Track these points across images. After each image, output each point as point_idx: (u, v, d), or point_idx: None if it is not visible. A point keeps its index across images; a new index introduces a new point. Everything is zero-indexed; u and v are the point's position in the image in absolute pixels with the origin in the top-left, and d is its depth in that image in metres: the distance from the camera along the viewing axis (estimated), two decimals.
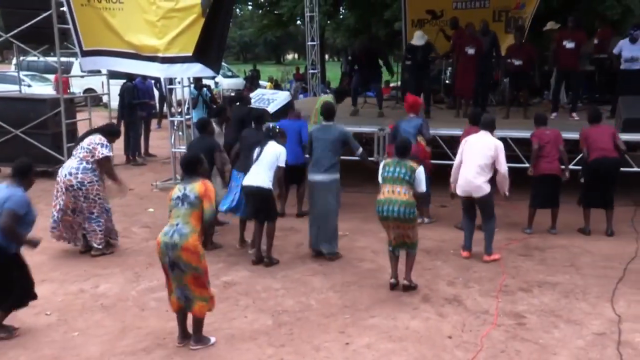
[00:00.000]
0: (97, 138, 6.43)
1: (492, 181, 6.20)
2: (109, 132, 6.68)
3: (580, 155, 7.62)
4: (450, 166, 6.56)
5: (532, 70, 10.20)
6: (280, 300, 5.35)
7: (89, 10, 8.64)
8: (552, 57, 10.25)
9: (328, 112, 6.52)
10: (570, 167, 7.81)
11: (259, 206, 6.18)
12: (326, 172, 6.19)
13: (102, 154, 6.32)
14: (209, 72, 8.49)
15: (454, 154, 6.92)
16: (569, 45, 9.43)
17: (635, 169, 7.93)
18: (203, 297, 4.41)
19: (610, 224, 7.00)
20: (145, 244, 6.76)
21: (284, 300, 5.35)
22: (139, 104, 11.67)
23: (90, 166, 6.31)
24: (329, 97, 8.57)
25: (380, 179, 5.56)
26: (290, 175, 7.05)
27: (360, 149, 6.43)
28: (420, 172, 5.45)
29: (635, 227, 7.28)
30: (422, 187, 5.46)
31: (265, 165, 6.06)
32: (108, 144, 6.44)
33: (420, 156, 7.43)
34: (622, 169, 7.20)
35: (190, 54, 7.96)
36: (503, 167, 6.12)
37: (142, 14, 8.18)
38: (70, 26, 8.94)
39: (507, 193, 6.28)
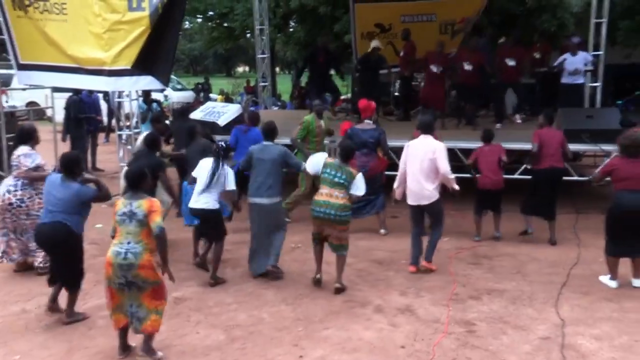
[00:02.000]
0: (20, 150, 6.16)
1: (442, 187, 6.22)
2: (25, 137, 6.27)
3: (524, 166, 7.93)
4: None
5: (481, 80, 10.15)
6: (232, 314, 5.29)
7: (27, 23, 8.36)
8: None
9: (269, 132, 6.20)
10: (516, 176, 8.11)
11: (206, 228, 6.11)
12: (268, 196, 5.97)
13: (25, 165, 6.05)
14: (158, 85, 8.37)
15: None
16: (511, 62, 9.88)
17: (576, 177, 8.26)
18: (158, 310, 4.40)
19: (553, 234, 7.21)
20: (93, 261, 6.52)
21: (237, 314, 5.29)
22: (85, 118, 11.40)
23: (27, 181, 6.09)
24: (310, 117, 8.06)
25: (311, 171, 5.89)
26: (242, 184, 6.67)
27: (303, 165, 6.20)
28: (360, 178, 5.72)
29: (577, 233, 7.54)
30: (360, 191, 5.72)
31: (211, 187, 5.88)
32: (32, 153, 6.15)
33: (382, 167, 7.53)
34: (564, 177, 7.43)
35: (138, 66, 7.82)
36: (443, 168, 6.02)
37: (87, 26, 7.99)
38: (6, 37, 8.65)
39: (456, 187, 6.11)
